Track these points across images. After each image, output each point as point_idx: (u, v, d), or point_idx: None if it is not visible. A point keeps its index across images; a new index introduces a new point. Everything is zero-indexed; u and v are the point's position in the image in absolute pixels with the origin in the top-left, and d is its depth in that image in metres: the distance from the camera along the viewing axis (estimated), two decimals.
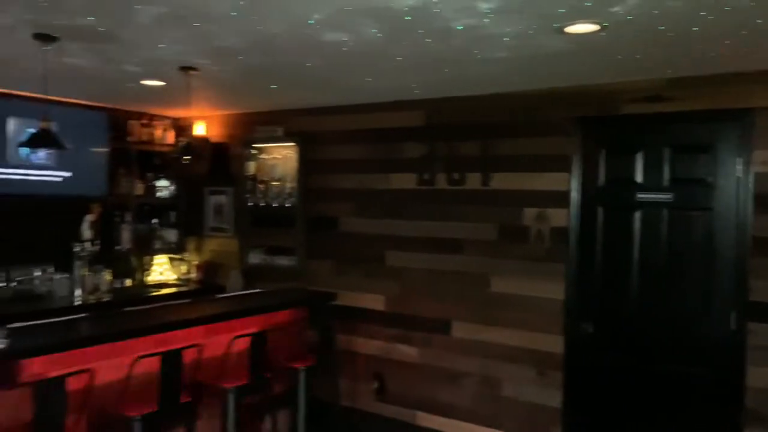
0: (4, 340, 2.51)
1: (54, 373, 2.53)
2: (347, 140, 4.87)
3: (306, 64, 3.44)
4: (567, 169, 3.90)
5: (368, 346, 4.72)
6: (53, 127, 3.15)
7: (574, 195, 3.89)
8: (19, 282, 4.58)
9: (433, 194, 4.45)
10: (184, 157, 3.86)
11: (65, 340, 2.78)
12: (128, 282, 5.37)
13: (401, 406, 4.55)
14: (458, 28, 2.69)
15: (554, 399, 3.93)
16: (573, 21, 2.57)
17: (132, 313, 3.55)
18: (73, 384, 2.48)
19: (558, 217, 3.95)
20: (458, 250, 4.33)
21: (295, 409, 3.69)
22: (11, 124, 4.54)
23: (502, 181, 4.17)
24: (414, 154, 4.53)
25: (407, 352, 4.54)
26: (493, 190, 4.20)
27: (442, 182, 4.41)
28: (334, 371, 4.12)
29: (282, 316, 4.01)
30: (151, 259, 5.68)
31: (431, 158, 4.45)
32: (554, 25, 2.62)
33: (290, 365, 3.66)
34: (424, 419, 4.45)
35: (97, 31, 2.86)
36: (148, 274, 5.64)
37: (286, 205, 5.14)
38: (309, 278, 4.98)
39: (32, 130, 4.55)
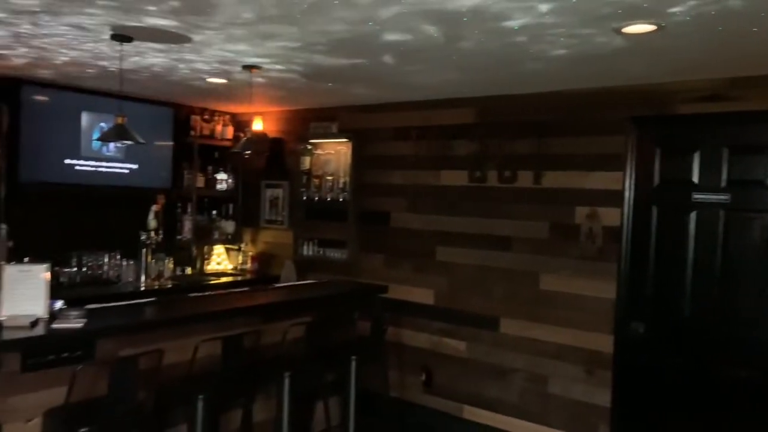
0: (83, 320, 2.72)
1: (127, 352, 2.73)
2: (399, 137, 4.96)
3: (363, 64, 3.55)
4: (621, 168, 3.88)
5: (416, 338, 4.81)
6: (126, 122, 3.36)
7: (628, 194, 3.86)
8: (89, 267, 4.87)
9: (483, 191, 4.50)
10: (245, 152, 4.02)
11: (137, 322, 2.99)
12: (188, 270, 5.62)
13: (448, 399, 4.63)
14: (515, 27, 2.73)
15: (603, 398, 3.93)
16: (631, 21, 2.59)
17: (195, 299, 3.75)
18: (144, 363, 2.66)
19: (610, 217, 3.93)
20: (508, 248, 4.37)
21: (346, 398, 3.81)
22: (85, 119, 4.83)
23: (554, 179, 4.18)
24: (465, 151, 4.59)
25: (455, 346, 4.61)
26: (544, 188, 4.22)
27: (493, 179, 4.45)
28: (383, 362, 4.23)
29: (335, 306, 4.14)
30: (210, 249, 5.92)
31: (482, 155, 4.50)
32: (612, 25, 2.64)
33: (342, 355, 3.78)
34: (471, 413, 4.52)
35: (169, 32, 3.04)
36: (207, 263, 5.89)
37: (339, 200, 5.28)
38: (360, 271, 5.10)
39: (104, 125, 4.90)
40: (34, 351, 2.60)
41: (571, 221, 4.09)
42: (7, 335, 2.49)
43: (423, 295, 4.79)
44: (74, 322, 2.68)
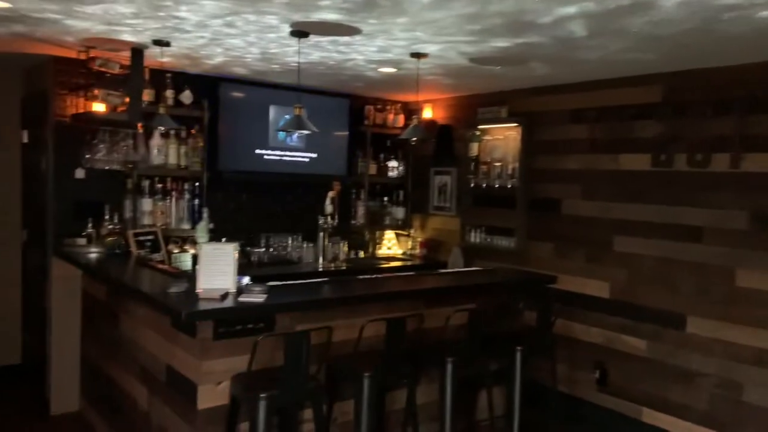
0: (264, 295, 2.97)
1: (300, 327, 2.93)
2: (573, 119, 4.69)
3: (539, 42, 3.39)
4: None
5: (589, 333, 4.54)
6: (303, 113, 3.59)
7: None
8: (275, 248, 5.32)
9: (669, 176, 4.09)
10: (412, 139, 4.08)
11: (311, 299, 3.20)
12: (361, 254, 5.89)
13: (625, 399, 4.31)
14: None
15: None
16: None
17: (364, 280, 3.92)
18: (315, 338, 2.84)
19: None
20: (698, 239, 3.93)
21: (511, 388, 3.73)
22: (272, 112, 5.26)
23: (756, 162, 3.66)
24: (648, 133, 4.20)
25: (634, 344, 4.27)
26: (744, 173, 3.72)
27: (681, 163, 4.03)
28: (551, 355, 4.06)
29: (500, 294, 4.06)
30: (381, 234, 6.14)
31: (669, 137, 4.08)
32: None
33: (507, 344, 3.70)
34: (651, 416, 4.16)
35: (342, 26, 3.18)
36: (378, 248, 6.12)
37: (508, 186, 5.15)
38: (528, 260, 4.94)
39: (288, 117, 5.30)
40: (224, 321, 2.91)
41: None
42: (203, 306, 2.80)
43: (597, 288, 4.50)
44: (257, 297, 2.94)
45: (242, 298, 2.92)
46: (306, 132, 3.62)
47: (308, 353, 2.78)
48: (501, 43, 3.43)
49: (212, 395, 2.93)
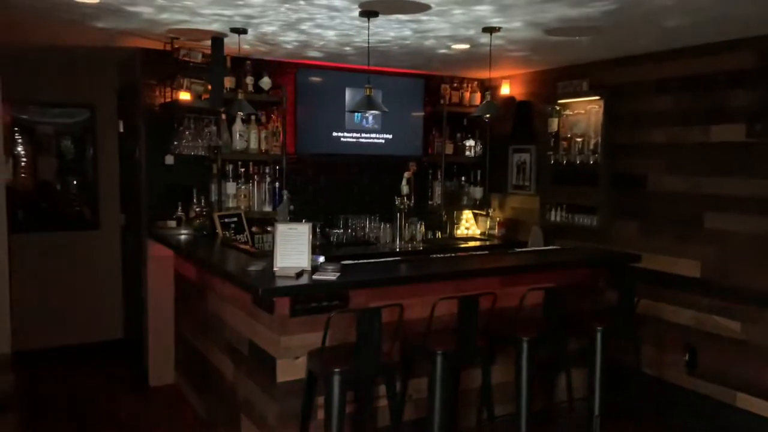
0: (337, 273, 3.05)
1: (372, 304, 2.98)
2: (658, 90, 4.44)
3: (618, 8, 3.23)
4: None
5: (678, 314, 4.33)
6: (374, 93, 3.62)
7: None
8: (353, 229, 5.42)
9: (766, 147, 3.79)
10: (485, 116, 4.02)
11: (381, 277, 3.25)
12: (438, 234, 5.88)
13: (718, 383, 4.09)
14: None
15: None
16: None
17: (438, 259, 3.92)
18: (387, 315, 2.88)
19: None
20: None
21: (591, 370, 3.62)
22: (348, 95, 5.33)
23: None
24: (742, 102, 3.91)
25: (727, 325, 4.03)
26: None
27: None
28: (636, 336, 3.90)
29: (579, 274, 3.95)
30: (459, 214, 6.10)
31: (765, 105, 3.78)
32: None
33: (587, 324, 3.59)
34: (747, 402, 3.93)
35: (409, 2, 3.16)
36: (457, 228, 6.08)
37: (589, 162, 4.96)
38: (611, 238, 4.75)
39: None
40: (300, 298, 3.01)
41: None
42: (279, 283, 2.91)
43: (687, 267, 4.27)
44: (330, 275, 3.02)
45: (316, 276, 3.01)
46: (375, 112, 3.63)
47: (380, 330, 2.82)
48: (573, 12, 3.29)
49: (290, 369, 3.05)
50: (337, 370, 2.75)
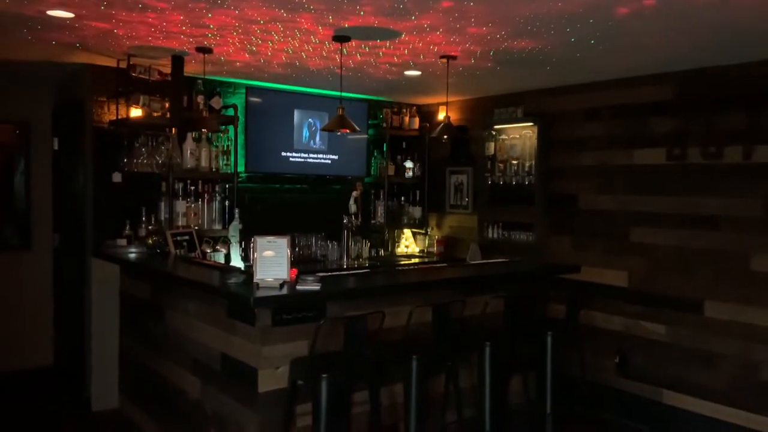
0: (319, 284, 3.15)
1: (351, 314, 3.10)
2: (588, 118, 4.93)
3: (547, 49, 3.61)
4: None
5: (609, 321, 4.76)
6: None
7: None
8: (300, 247, 5.49)
9: (684, 169, 4.32)
10: (444, 137, 4.29)
11: (366, 287, 3.39)
12: (381, 252, 6.07)
13: (646, 383, 4.52)
14: None
15: None
16: None
17: (405, 271, 4.11)
18: (371, 323, 3.02)
19: None
20: (714, 227, 4.16)
21: (542, 375, 3.90)
22: (297, 116, 5.45)
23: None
24: (662, 128, 4.43)
25: (654, 329, 4.49)
26: (756, 164, 3.95)
27: (695, 156, 4.26)
28: (576, 344, 4.25)
29: (530, 283, 4.26)
30: (400, 233, 6.33)
31: (682, 132, 4.32)
32: None
33: (538, 330, 3.88)
34: (672, 398, 4.37)
35: (383, 30, 3.38)
36: (397, 246, 6.30)
37: (525, 183, 5.36)
38: (547, 253, 5.14)
39: (311, 120, 5.51)
40: (283, 308, 3.08)
41: None
42: (265, 293, 2.97)
43: (616, 277, 4.72)
44: (313, 285, 3.11)
45: (300, 287, 3.10)
46: (347, 131, 3.79)
47: (365, 336, 2.95)
48: (524, 44, 3.64)
49: (272, 379, 3.09)
50: (325, 376, 2.84)
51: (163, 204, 4.77)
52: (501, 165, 5.62)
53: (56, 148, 5.32)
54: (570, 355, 4.23)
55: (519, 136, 5.49)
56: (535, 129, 5.28)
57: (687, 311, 4.30)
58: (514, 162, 5.50)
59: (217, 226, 4.99)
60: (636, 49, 3.69)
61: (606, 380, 4.75)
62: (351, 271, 4.37)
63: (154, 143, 4.62)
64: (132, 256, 4.35)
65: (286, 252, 3.21)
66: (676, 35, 3.39)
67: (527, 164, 5.39)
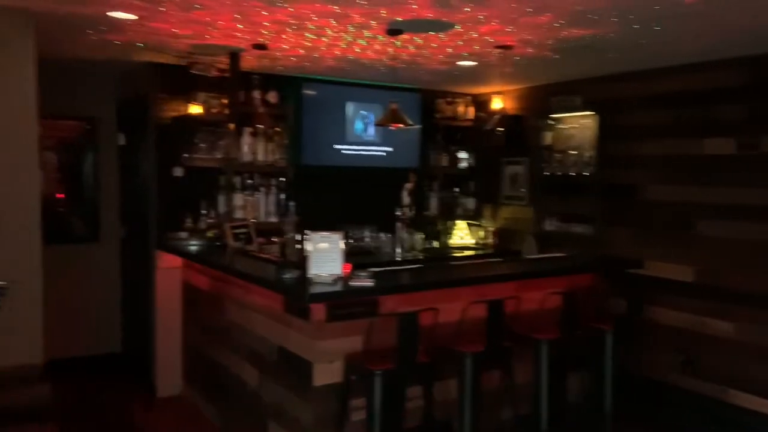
0: (373, 280, 3.16)
1: (404, 309, 3.11)
2: (650, 105, 4.73)
3: (608, 36, 3.48)
4: None
5: (673, 317, 4.58)
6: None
7: None
8: (354, 239, 5.52)
9: (756, 159, 4.09)
10: (497, 129, 4.21)
11: (420, 282, 3.39)
12: (435, 243, 6.04)
13: (711, 382, 4.35)
14: None
15: None
16: None
17: (458, 266, 4.08)
18: (423, 319, 3.02)
19: None
20: None
21: (600, 372, 3.81)
22: (349, 108, 5.47)
23: None
24: (731, 116, 4.21)
25: (721, 327, 4.30)
26: None
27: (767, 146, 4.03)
28: (637, 340, 4.13)
29: (587, 278, 4.15)
30: (453, 224, 6.28)
31: (755, 120, 4.09)
32: None
33: (597, 327, 3.79)
34: (738, 397, 4.19)
35: (433, 22, 3.33)
36: (451, 238, 6.26)
37: (583, 173, 5.21)
38: (606, 246, 4.99)
39: (364, 113, 5.53)
40: (336, 304, 3.12)
41: None
42: (321, 289, 3.01)
43: (680, 272, 4.54)
44: (366, 281, 3.13)
45: (353, 282, 3.12)
46: (401, 126, 3.77)
47: (418, 332, 2.95)
48: (583, 32, 3.52)
49: (326, 373, 3.14)
50: (378, 371, 2.86)
51: (221, 197, 4.89)
52: (558, 155, 5.48)
53: (122, 143, 5.52)
54: (630, 352, 4.12)
55: (578, 125, 5.33)
56: (595, 118, 5.11)
57: (758, 307, 4.09)
58: (572, 152, 5.35)
59: (273, 219, 5.08)
60: (704, 33, 3.51)
61: (668, 378, 4.59)
62: (404, 266, 4.35)
63: (213, 138, 4.73)
64: (193, 248, 4.49)
65: (340, 247, 3.24)
66: (749, 18, 3.20)
67: (587, 154, 5.24)
